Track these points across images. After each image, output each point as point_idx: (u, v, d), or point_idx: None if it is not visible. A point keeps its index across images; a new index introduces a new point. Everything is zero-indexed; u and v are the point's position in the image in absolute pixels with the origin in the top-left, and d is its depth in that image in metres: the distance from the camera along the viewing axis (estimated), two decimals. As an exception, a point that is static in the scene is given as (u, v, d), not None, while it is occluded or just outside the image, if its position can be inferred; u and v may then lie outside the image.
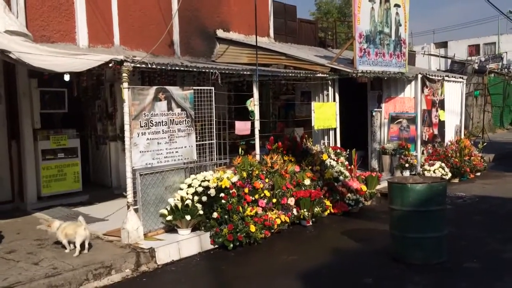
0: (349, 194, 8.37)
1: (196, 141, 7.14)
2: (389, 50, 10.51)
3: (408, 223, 5.59)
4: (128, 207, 6.22)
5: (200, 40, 10.76)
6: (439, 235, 5.58)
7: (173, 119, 6.74)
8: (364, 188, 8.68)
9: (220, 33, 11.16)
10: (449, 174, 10.74)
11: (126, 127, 6.15)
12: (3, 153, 8.22)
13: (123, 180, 9.06)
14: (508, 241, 6.38)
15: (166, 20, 9.80)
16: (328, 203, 8.04)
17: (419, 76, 11.00)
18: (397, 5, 10.63)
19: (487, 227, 7.18)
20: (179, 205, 6.46)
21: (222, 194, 6.64)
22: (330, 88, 10.22)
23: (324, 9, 33.05)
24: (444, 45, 44.50)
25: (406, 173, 10.39)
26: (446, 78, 12.45)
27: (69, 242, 5.81)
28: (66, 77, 6.54)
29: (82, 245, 5.74)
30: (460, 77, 13.51)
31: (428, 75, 11.59)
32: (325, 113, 9.77)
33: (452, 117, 12.72)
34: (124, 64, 6.00)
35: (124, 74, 6.01)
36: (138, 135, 6.30)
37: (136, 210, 6.28)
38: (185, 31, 10.39)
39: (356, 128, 11.82)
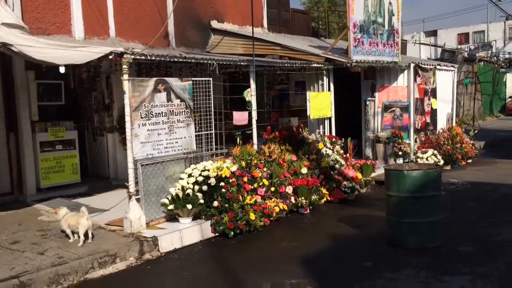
0: (345, 182, 8.54)
1: (195, 131, 7.23)
2: (383, 40, 10.64)
3: (404, 209, 5.76)
4: (130, 197, 6.31)
5: (194, 31, 10.79)
6: (434, 220, 5.76)
7: (173, 110, 6.82)
8: (359, 176, 8.85)
9: (215, 24, 11.19)
10: (442, 161, 10.96)
11: (127, 119, 6.22)
12: (1, 145, 8.24)
13: (121, 171, 9.21)
14: (500, 225, 6.60)
15: (161, 11, 9.83)
16: (324, 191, 8.20)
17: (412, 65, 11.15)
18: (390, -5, 10.74)
19: (480, 211, 7.40)
20: (180, 194, 6.57)
21: (222, 183, 6.76)
22: (325, 78, 10.34)
23: (315, -1, 33.01)
24: (434, 33, 44.75)
25: (400, 161, 10.58)
26: (438, 67, 12.64)
27: (73, 232, 5.91)
28: (62, 69, 6.53)
29: (86, 235, 5.83)
30: (451, 66, 13.73)
31: (420, 64, 11.75)
32: (321, 102, 9.90)
33: (444, 105, 12.93)
34: (124, 56, 6.05)
35: (124, 66, 6.06)
36: (139, 126, 6.37)
37: (138, 200, 6.38)
38: (180, 22, 10.42)
39: (350, 117, 11.97)
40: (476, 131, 13.92)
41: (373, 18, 10.29)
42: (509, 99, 28.79)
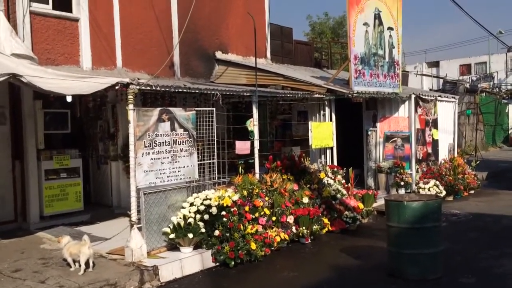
0: (346, 212, 8.56)
1: (198, 160, 7.33)
2: (383, 71, 10.83)
3: (405, 240, 5.77)
4: (132, 225, 6.35)
5: (199, 61, 11.04)
6: (435, 251, 5.76)
7: (176, 139, 6.94)
8: (361, 206, 8.87)
9: (219, 54, 11.46)
10: (444, 192, 10.97)
11: (131, 147, 6.34)
12: (6, 173, 8.35)
13: (124, 199, 9.27)
14: (502, 257, 6.57)
15: (167, 43, 10.10)
16: (326, 220, 8.20)
17: (413, 96, 11.31)
18: (390, 28, 11.00)
19: (481, 243, 7.38)
20: (182, 223, 6.61)
21: (223, 212, 6.81)
22: (326, 108, 10.49)
23: (318, 30, 33.62)
24: (436, 64, 45.23)
25: (402, 191, 10.60)
26: (439, 98, 12.79)
27: (74, 261, 5.94)
28: (69, 99, 6.73)
29: (87, 264, 5.86)
30: (452, 97, 13.87)
31: (421, 95, 11.91)
32: (322, 132, 10.01)
33: (445, 136, 13.02)
34: (130, 86, 6.22)
35: (130, 96, 6.22)
36: (143, 155, 6.48)
37: (139, 229, 6.42)
38: (185, 53, 10.68)
39: (352, 146, 12.06)
40: (478, 162, 13.94)
41: (373, 50, 10.52)
42: (512, 129, 28.88)
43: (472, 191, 12.04)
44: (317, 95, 10.13)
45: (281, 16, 69.09)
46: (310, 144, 9.95)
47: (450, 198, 11.31)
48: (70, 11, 8.77)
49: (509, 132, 28.95)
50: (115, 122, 9.69)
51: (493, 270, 6.06)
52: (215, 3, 11.38)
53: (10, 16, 7.95)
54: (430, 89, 26.30)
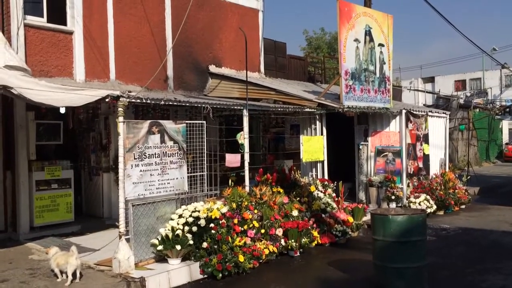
0: (336, 225, 8.60)
1: (188, 172, 7.39)
2: (374, 87, 10.97)
3: (390, 253, 5.81)
4: (120, 237, 6.38)
5: (193, 75, 11.16)
6: (420, 265, 5.80)
7: (166, 152, 7.00)
8: (350, 219, 8.92)
9: (213, 68, 11.59)
10: (434, 207, 11.03)
11: (120, 159, 6.39)
12: (-3, 183, 8.39)
13: (115, 210, 9.28)
14: (487, 271, 6.61)
15: (161, 56, 10.22)
16: (315, 234, 8.24)
17: (404, 111, 11.44)
18: (381, 45, 11.17)
19: (469, 257, 7.42)
20: (170, 235, 6.64)
21: (212, 225, 6.85)
22: (318, 122, 10.59)
23: (315, 44, 33.97)
24: (431, 80, 45.65)
25: (393, 205, 10.65)
26: (430, 113, 12.93)
27: (61, 272, 5.95)
28: (62, 110, 6.86)
29: (74, 274, 5.87)
30: (443, 112, 14.01)
31: (412, 111, 12.04)
32: (313, 146, 10.10)
33: (436, 151, 13.13)
34: (120, 99, 6.30)
35: (120, 109, 6.30)
36: (132, 166, 6.54)
37: (127, 240, 6.44)
38: (179, 67, 10.81)
39: (344, 160, 12.16)
40: (469, 177, 14.02)
41: (364, 66, 10.67)
42: (505, 145, 29.04)
43: (463, 206, 12.10)
44: (308, 109, 10.24)
45: (277, 30, 69.75)
46: (301, 157, 10.03)
47: (441, 212, 11.37)
48: (65, 24, 8.90)
49: (503, 147, 29.13)
50: (108, 133, 9.76)
51: (478, 284, 6.10)
52: (209, 18, 11.55)
53: (5, 28, 8.07)
54: (424, 105, 26.51)
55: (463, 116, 23.10)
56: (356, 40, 10.40)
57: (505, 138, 30.71)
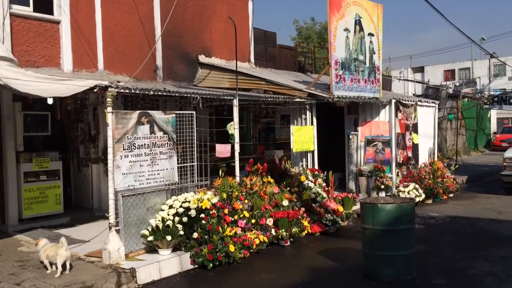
0: (326, 215, 8.65)
1: (178, 163, 7.37)
2: (364, 77, 10.99)
3: (379, 242, 5.87)
4: (110, 228, 6.36)
5: (182, 65, 11.08)
6: (409, 252, 5.87)
7: (155, 142, 6.97)
8: (340, 208, 8.98)
9: (202, 58, 11.51)
10: (423, 195, 11.15)
11: (109, 150, 6.35)
12: (-15, 175, 8.30)
13: (105, 202, 9.20)
14: (475, 259, 6.72)
15: (150, 46, 10.11)
16: (306, 223, 8.29)
17: (393, 101, 11.48)
18: (370, 34, 11.17)
19: (456, 245, 7.53)
20: (160, 225, 6.64)
21: (202, 215, 6.85)
22: (308, 112, 10.61)
23: (305, 34, 33.86)
24: (421, 69, 45.88)
25: (382, 194, 10.73)
26: (419, 103, 13.00)
27: (51, 263, 5.93)
28: (50, 101, 6.75)
29: (64, 266, 5.86)
30: (432, 102, 14.09)
31: (401, 100, 12.09)
32: (303, 136, 10.12)
33: (425, 140, 13.22)
34: (109, 89, 6.24)
35: (108, 99, 6.24)
36: (121, 157, 6.50)
37: (117, 231, 6.43)
38: (168, 56, 10.72)
39: (334, 150, 12.20)
40: (457, 166, 14.16)
41: (354, 55, 10.67)
42: (493, 134, 29.35)
43: (451, 195, 12.24)
44: (298, 99, 10.24)
45: (268, 20, 69.43)
46: (291, 147, 10.05)
47: (430, 201, 11.49)
48: (51, 13, 8.76)
49: (491, 137, 29.44)
50: (96, 124, 9.68)
51: (465, 271, 6.19)
52: (198, 7, 11.44)
53: (-10, 17, 7.91)
54: (414, 94, 26.65)
55: (452, 106, 23.28)
56: (346, 29, 10.38)
57: (493, 127, 31.03)
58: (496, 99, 18.76)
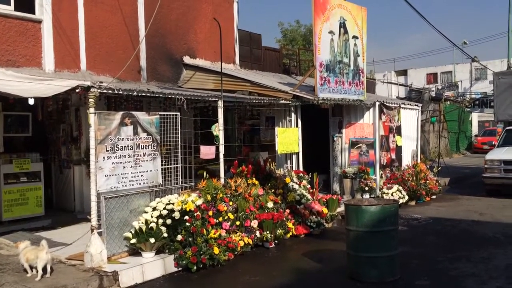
0: (311, 217, 8.66)
1: (162, 165, 7.30)
2: (348, 79, 11.05)
3: (363, 243, 5.89)
4: (92, 230, 6.26)
5: (167, 66, 11.00)
6: (392, 254, 5.91)
7: (139, 144, 6.89)
8: (325, 210, 9.00)
9: (187, 59, 11.45)
10: (406, 197, 11.25)
11: (92, 151, 6.26)
12: (-37, 177, 8.10)
13: (87, 204, 9.07)
14: (457, 259, 6.79)
15: (134, 47, 10.02)
16: (290, 225, 8.28)
17: (377, 103, 11.57)
18: (355, 37, 11.25)
19: (439, 246, 7.60)
20: (144, 228, 6.56)
21: (186, 217, 6.79)
22: (293, 114, 10.62)
23: (290, 37, 33.98)
24: (404, 73, 46.45)
25: (366, 196, 10.79)
26: (402, 105, 13.12)
27: (31, 267, 5.81)
28: (31, 101, 6.62)
29: (44, 269, 5.74)
30: (415, 105, 14.25)
31: (385, 103, 12.19)
32: (288, 138, 10.12)
33: (409, 143, 13.35)
34: (91, 90, 6.15)
35: (90, 100, 6.15)
36: (104, 159, 6.41)
37: (100, 234, 6.33)
38: (152, 57, 10.63)
39: (319, 152, 12.23)
40: (440, 168, 14.33)
41: (339, 58, 10.72)
42: (475, 137, 29.83)
43: (434, 196, 12.38)
44: (283, 101, 10.25)
45: (253, 22, 69.53)
46: (276, 149, 10.04)
47: (413, 203, 11.60)
48: (33, 12, 8.62)
49: (472, 139, 29.92)
50: (79, 125, 9.54)
51: (448, 272, 6.25)
52: (183, 8, 11.38)
53: (-31, 16, 7.75)
54: (397, 97, 26.92)
55: (435, 109, 23.59)
56: (330, 32, 10.43)
57: (475, 130, 31.57)
58: (477, 102, 19.10)
